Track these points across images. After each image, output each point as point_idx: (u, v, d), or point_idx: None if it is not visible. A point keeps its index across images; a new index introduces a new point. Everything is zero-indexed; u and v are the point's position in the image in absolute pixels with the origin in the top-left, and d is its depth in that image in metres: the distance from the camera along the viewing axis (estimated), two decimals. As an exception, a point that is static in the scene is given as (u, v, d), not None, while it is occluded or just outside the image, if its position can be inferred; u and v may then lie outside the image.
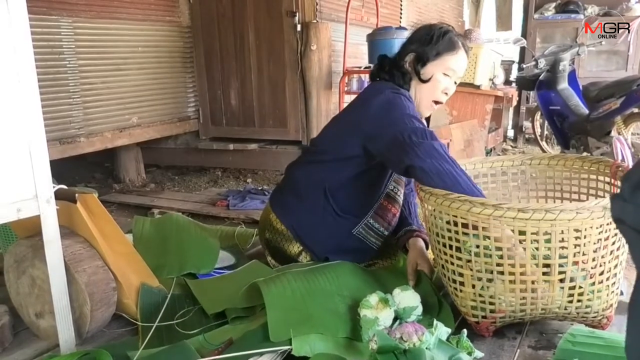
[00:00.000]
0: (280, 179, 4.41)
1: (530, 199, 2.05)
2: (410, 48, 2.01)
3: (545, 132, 5.91)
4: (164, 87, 4.51)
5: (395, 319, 1.66)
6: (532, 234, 1.48)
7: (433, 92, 1.99)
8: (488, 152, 5.83)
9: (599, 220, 1.46)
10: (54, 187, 1.55)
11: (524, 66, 5.51)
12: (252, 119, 4.73)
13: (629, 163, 3.07)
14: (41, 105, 1.49)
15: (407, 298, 1.69)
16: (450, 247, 1.62)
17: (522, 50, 7.46)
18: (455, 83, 2.01)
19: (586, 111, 4.88)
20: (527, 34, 7.36)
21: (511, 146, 6.90)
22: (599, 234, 1.48)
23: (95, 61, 3.88)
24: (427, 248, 2.02)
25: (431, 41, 1.97)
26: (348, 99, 4.34)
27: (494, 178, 2.05)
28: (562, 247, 1.49)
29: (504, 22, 8.50)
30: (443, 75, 1.97)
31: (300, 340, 1.52)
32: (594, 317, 1.61)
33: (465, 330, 1.45)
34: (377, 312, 1.60)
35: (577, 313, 1.59)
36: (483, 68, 5.73)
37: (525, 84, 5.71)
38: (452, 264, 1.64)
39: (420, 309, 1.69)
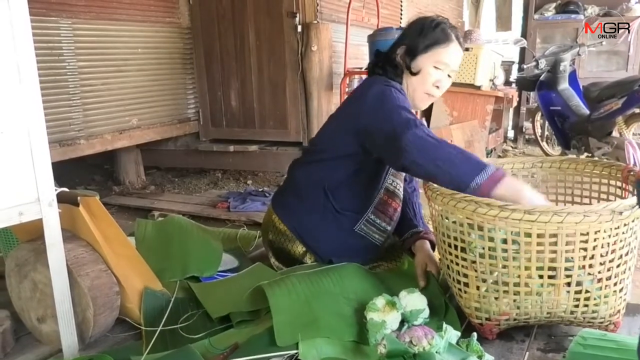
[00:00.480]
0: (280, 181, 4.42)
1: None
2: (402, 41, 1.99)
3: (546, 133, 5.90)
4: (163, 88, 4.49)
5: (401, 322, 1.64)
6: (538, 236, 1.46)
7: (423, 85, 1.95)
8: (488, 153, 5.82)
9: (608, 224, 1.44)
10: (55, 190, 1.53)
11: (525, 67, 5.50)
12: (253, 120, 4.71)
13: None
14: (42, 108, 1.47)
15: (414, 301, 1.68)
16: (456, 247, 1.61)
17: (522, 51, 7.45)
18: (449, 76, 1.97)
19: (587, 111, 4.87)
20: (527, 35, 7.35)
21: (511, 147, 6.90)
22: (608, 237, 1.46)
23: (95, 62, 3.86)
24: (433, 249, 2.01)
25: (421, 33, 1.93)
26: (349, 99, 4.32)
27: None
28: (569, 251, 1.47)
29: (503, 22, 8.50)
30: (433, 69, 1.92)
31: (307, 344, 1.51)
32: (601, 322, 1.59)
33: (475, 334, 1.44)
34: (384, 315, 1.59)
35: (584, 318, 1.58)
36: (483, 69, 5.72)
37: (525, 84, 5.70)
38: (457, 264, 1.63)
39: (427, 312, 1.68)
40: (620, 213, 1.42)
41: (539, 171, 2.02)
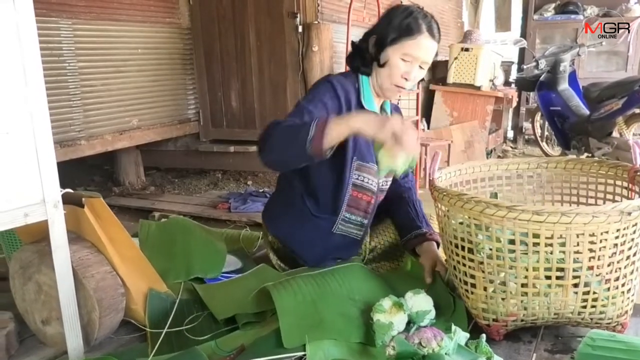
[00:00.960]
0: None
1: (545, 203, 2.02)
2: (373, 30, 1.95)
3: (546, 133, 5.91)
4: (164, 89, 4.49)
5: (407, 323, 1.64)
6: (546, 237, 1.46)
7: (391, 77, 1.89)
8: (489, 153, 5.83)
9: (616, 224, 1.43)
10: (60, 191, 1.52)
11: (524, 67, 5.51)
12: (253, 120, 4.71)
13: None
14: (44, 108, 1.46)
15: (420, 302, 1.67)
16: (463, 248, 1.60)
17: (522, 51, 7.47)
18: (422, 68, 1.90)
19: (587, 112, 4.88)
20: (527, 35, 7.36)
21: (511, 147, 6.91)
22: (615, 238, 1.46)
23: (95, 63, 3.86)
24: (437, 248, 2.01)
25: (390, 24, 1.87)
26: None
27: (509, 181, 2.02)
28: (577, 252, 1.47)
29: (503, 23, 8.51)
30: (401, 61, 1.86)
31: (314, 346, 1.50)
32: (608, 323, 1.58)
33: (484, 335, 1.43)
34: (390, 317, 1.58)
35: (591, 319, 1.57)
36: (483, 69, 5.73)
37: (525, 84, 5.72)
38: (464, 265, 1.62)
39: (433, 313, 1.67)
40: (629, 214, 1.41)
41: (543, 172, 2.01)
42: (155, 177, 4.96)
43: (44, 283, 1.65)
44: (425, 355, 1.30)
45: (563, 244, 1.46)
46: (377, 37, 1.90)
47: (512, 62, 7.28)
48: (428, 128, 5.76)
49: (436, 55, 1.94)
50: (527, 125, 6.92)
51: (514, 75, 6.95)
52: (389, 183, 2.13)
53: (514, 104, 6.69)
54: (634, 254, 1.52)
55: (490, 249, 1.55)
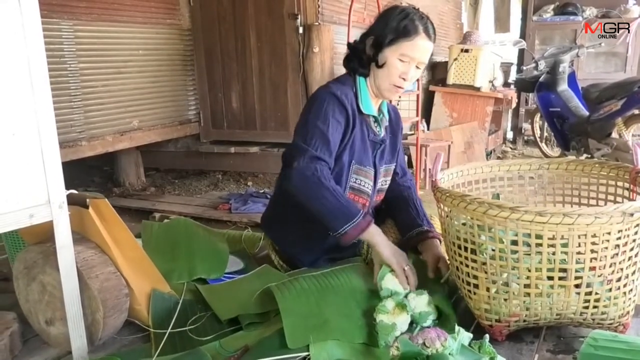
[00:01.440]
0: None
1: (547, 204, 2.03)
2: (370, 31, 1.97)
3: (545, 134, 5.92)
4: (164, 90, 4.49)
5: (410, 324, 1.65)
6: (549, 238, 1.46)
7: (389, 77, 1.92)
8: (488, 154, 5.84)
9: (618, 225, 1.44)
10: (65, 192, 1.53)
11: (524, 68, 5.52)
12: (254, 121, 4.71)
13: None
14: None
15: (423, 303, 1.68)
16: (466, 249, 1.61)
17: (521, 52, 7.48)
18: (418, 68, 1.93)
19: (586, 113, 4.89)
20: (526, 36, 7.38)
21: (511, 148, 6.92)
22: (617, 239, 1.47)
23: (96, 64, 3.85)
24: None
25: (387, 25, 1.89)
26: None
27: (511, 182, 2.03)
28: (579, 253, 1.48)
29: (502, 24, 8.52)
30: (399, 61, 1.89)
31: (317, 346, 1.51)
32: (610, 323, 1.59)
33: (487, 336, 1.44)
34: (394, 318, 1.59)
35: (593, 319, 1.58)
36: (483, 70, 5.74)
37: (524, 85, 5.73)
38: (467, 266, 1.63)
39: (435, 313, 1.68)
40: (631, 215, 1.42)
41: (545, 172, 2.02)
42: (155, 178, 4.96)
43: (48, 283, 1.66)
44: (429, 355, 1.30)
45: (565, 245, 1.47)
46: (375, 39, 1.92)
47: (512, 63, 7.29)
48: (428, 129, 5.77)
49: (432, 55, 1.97)
50: (526, 126, 6.93)
51: (513, 76, 6.96)
52: (388, 183, 2.14)
53: (514, 105, 6.70)
54: (636, 255, 1.53)
55: (493, 250, 1.56)
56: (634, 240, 1.50)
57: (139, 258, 1.81)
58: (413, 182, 2.28)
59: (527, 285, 1.54)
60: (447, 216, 1.68)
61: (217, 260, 2.15)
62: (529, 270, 1.52)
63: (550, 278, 1.51)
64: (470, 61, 5.71)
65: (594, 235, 1.45)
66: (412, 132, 5.26)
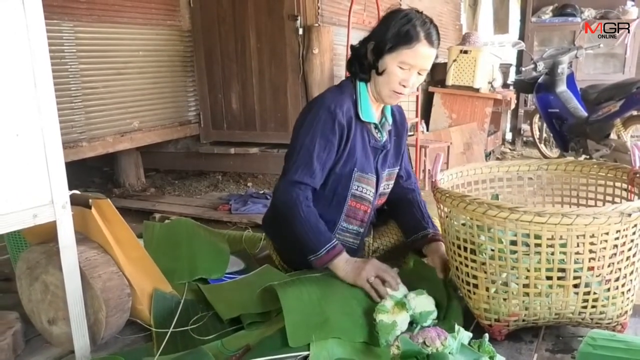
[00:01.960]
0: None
1: (546, 204, 2.04)
2: (372, 36, 1.93)
3: (544, 135, 5.93)
4: (164, 91, 4.50)
5: (410, 324, 1.66)
6: (548, 238, 1.48)
7: (389, 84, 1.89)
8: (487, 155, 5.85)
9: (616, 226, 1.45)
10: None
11: (523, 69, 5.53)
12: (254, 122, 4.71)
13: None
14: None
15: (423, 302, 1.69)
16: (465, 249, 1.63)
17: (520, 54, 7.50)
18: (420, 74, 1.90)
19: (585, 114, 4.90)
20: (525, 37, 7.40)
21: (509, 149, 6.93)
22: (615, 239, 1.48)
23: (96, 65, 3.86)
24: None
25: (387, 32, 1.84)
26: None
27: (510, 182, 2.05)
28: (578, 253, 1.49)
29: (501, 25, 8.54)
30: (399, 69, 1.85)
31: (318, 346, 1.52)
32: (608, 323, 1.60)
33: (487, 335, 1.45)
34: (393, 317, 1.60)
35: (591, 319, 1.59)
36: (482, 71, 5.75)
37: (523, 86, 5.73)
38: (467, 266, 1.64)
39: (435, 313, 1.70)
40: (629, 215, 1.44)
41: (544, 173, 2.04)
42: (155, 179, 4.96)
43: (50, 283, 1.67)
44: (429, 354, 1.31)
45: (564, 245, 1.48)
46: (375, 44, 1.89)
47: (511, 65, 7.30)
48: (427, 130, 5.78)
49: (436, 57, 1.94)
50: (525, 127, 6.94)
51: (512, 77, 6.98)
52: (391, 186, 2.14)
53: (513, 106, 6.72)
54: (634, 255, 1.55)
55: (492, 250, 1.57)
56: (632, 241, 1.51)
57: (141, 258, 1.82)
58: (417, 184, 2.27)
59: (526, 285, 1.55)
60: (446, 216, 1.69)
61: (218, 261, 2.16)
62: (528, 270, 1.53)
63: (549, 278, 1.53)
64: (469, 62, 5.73)
65: (593, 236, 1.47)
66: (412, 133, 5.27)
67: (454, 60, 5.77)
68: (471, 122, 5.74)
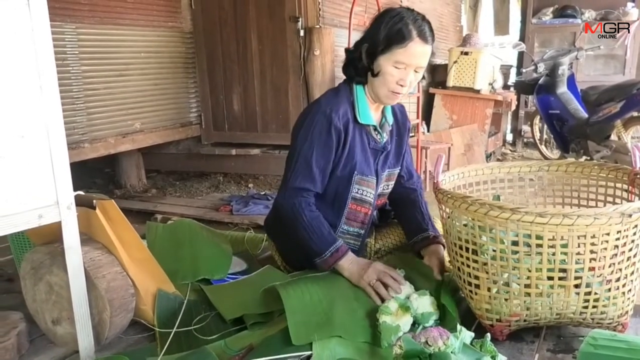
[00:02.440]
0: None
1: (547, 205, 2.05)
2: (365, 37, 1.90)
3: (545, 136, 5.94)
4: (166, 92, 4.51)
5: (412, 324, 1.67)
6: (549, 239, 1.49)
7: (386, 85, 1.87)
8: (488, 156, 5.86)
9: (617, 226, 1.46)
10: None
11: (524, 70, 5.54)
12: (255, 123, 4.72)
13: None
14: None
15: (425, 303, 1.70)
16: (467, 249, 1.63)
17: (521, 55, 7.51)
18: (417, 72, 1.87)
19: (586, 115, 4.91)
20: (525, 39, 7.41)
21: (510, 150, 6.94)
22: (616, 240, 1.49)
23: (98, 67, 3.87)
24: None
25: (379, 32, 1.82)
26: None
27: (511, 183, 2.05)
28: (579, 253, 1.50)
29: (501, 26, 8.55)
30: (394, 69, 1.83)
31: (320, 345, 1.53)
32: (609, 323, 1.61)
33: (488, 335, 1.46)
34: (397, 319, 1.61)
35: (592, 319, 1.60)
36: (483, 73, 5.76)
37: (524, 88, 5.75)
38: (468, 266, 1.65)
39: (437, 314, 1.70)
40: (630, 216, 1.44)
41: (545, 174, 2.05)
42: (157, 180, 4.97)
43: (55, 283, 1.68)
44: (431, 354, 1.32)
45: (565, 246, 1.49)
46: (368, 46, 1.86)
47: (511, 66, 7.31)
48: (428, 131, 5.79)
49: (432, 55, 1.91)
50: (526, 128, 6.96)
51: (513, 78, 6.98)
52: (391, 187, 2.14)
53: (513, 107, 6.72)
54: (635, 255, 1.56)
55: (494, 250, 1.58)
56: (633, 241, 1.52)
57: (145, 258, 1.83)
58: (420, 184, 2.26)
59: (527, 286, 1.56)
60: (448, 217, 1.70)
61: (221, 261, 2.17)
62: (530, 271, 1.54)
63: (550, 278, 1.53)
64: (470, 64, 5.74)
65: (593, 236, 1.48)
66: (413, 134, 5.28)
67: (455, 62, 5.78)
68: (472, 123, 5.75)
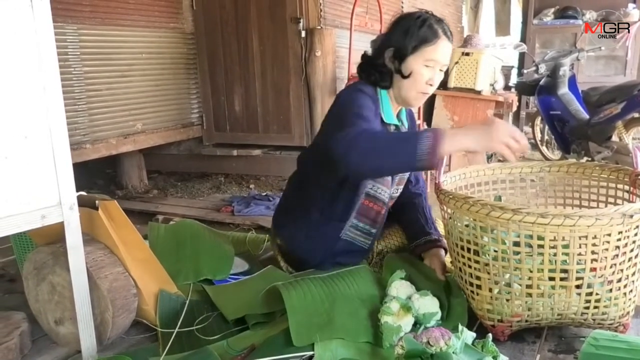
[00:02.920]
0: (283, 185, 4.44)
1: (548, 206, 2.05)
2: (388, 43, 1.93)
3: (546, 137, 5.94)
4: (167, 93, 4.51)
5: (414, 324, 1.67)
6: (550, 240, 1.49)
7: (416, 85, 1.90)
8: (489, 157, 5.85)
9: (618, 227, 1.47)
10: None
11: (524, 71, 5.54)
12: (256, 124, 4.73)
13: None
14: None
15: (427, 304, 1.70)
16: (469, 250, 1.64)
17: (522, 56, 7.51)
18: (441, 71, 1.93)
19: (587, 116, 4.90)
20: (527, 40, 7.41)
21: (511, 151, 6.92)
22: (617, 241, 1.50)
23: (100, 68, 3.88)
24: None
25: (407, 33, 1.87)
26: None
27: (512, 184, 2.06)
28: (580, 254, 1.50)
29: (502, 27, 8.55)
30: (424, 67, 1.88)
31: (322, 346, 1.54)
32: (611, 324, 1.62)
33: (490, 335, 1.46)
34: (399, 320, 1.61)
35: (594, 320, 1.60)
36: (484, 73, 5.76)
37: (525, 89, 5.74)
38: (470, 267, 1.66)
39: (439, 315, 1.71)
40: (631, 216, 1.45)
41: (546, 175, 2.05)
42: (158, 181, 4.97)
43: (57, 284, 1.69)
44: (433, 354, 1.33)
45: (566, 246, 1.50)
46: (395, 50, 1.90)
47: (512, 67, 7.30)
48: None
49: None
50: (527, 129, 6.95)
51: (514, 79, 6.97)
52: (400, 191, 2.15)
53: (514, 108, 6.71)
54: (636, 256, 1.56)
55: (496, 251, 1.58)
56: (634, 242, 1.53)
57: (147, 259, 1.84)
58: (425, 189, 2.27)
59: (528, 286, 1.56)
60: (450, 218, 1.71)
61: (223, 262, 2.17)
62: (531, 271, 1.54)
63: (551, 279, 1.54)
64: (471, 64, 5.74)
65: (595, 237, 1.48)
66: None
67: (456, 63, 5.78)
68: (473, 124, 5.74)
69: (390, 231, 2.23)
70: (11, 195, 1.40)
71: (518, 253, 1.54)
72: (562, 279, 1.53)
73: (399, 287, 1.78)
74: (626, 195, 1.85)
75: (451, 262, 1.85)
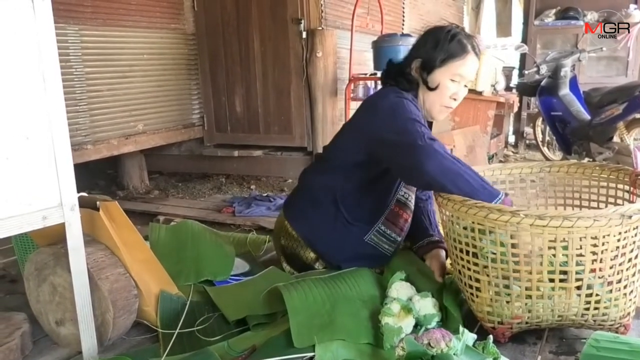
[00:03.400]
0: (284, 186, 4.44)
1: (548, 207, 2.06)
2: (416, 54, 1.97)
3: (547, 138, 5.94)
4: (169, 94, 4.52)
5: (415, 325, 1.67)
6: (549, 241, 1.49)
7: (441, 98, 1.94)
8: (490, 158, 5.85)
9: (617, 227, 1.47)
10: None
11: (526, 72, 5.53)
12: (257, 125, 4.73)
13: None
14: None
15: (427, 305, 1.70)
16: (468, 252, 1.64)
17: (523, 57, 7.50)
18: (466, 87, 1.96)
19: (588, 117, 4.90)
20: (528, 40, 7.40)
21: (512, 152, 6.93)
22: (617, 241, 1.50)
23: (101, 68, 3.89)
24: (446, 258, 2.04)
25: (436, 46, 1.91)
26: (354, 105, 4.36)
27: (512, 185, 2.06)
28: (580, 255, 1.50)
29: (503, 28, 8.54)
30: (450, 82, 1.92)
31: (323, 347, 1.54)
32: (611, 325, 1.62)
33: (491, 336, 1.47)
34: (399, 321, 1.61)
35: (594, 321, 1.60)
36: (485, 74, 5.75)
37: (526, 90, 5.73)
38: (469, 269, 1.66)
39: (439, 316, 1.71)
40: (630, 217, 1.45)
41: (546, 176, 2.05)
42: (159, 181, 4.98)
43: (58, 284, 1.69)
44: (434, 355, 1.33)
45: (566, 247, 1.49)
46: (423, 61, 1.93)
47: (513, 68, 7.29)
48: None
49: None
50: (528, 130, 6.94)
51: (515, 80, 6.97)
52: (413, 199, 2.16)
53: (515, 109, 6.70)
54: (636, 257, 1.56)
55: (494, 253, 1.58)
56: (634, 242, 1.53)
57: (148, 260, 1.84)
58: (431, 194, 2.26)
59: (528, 288, 1.56)
60: (449, 220, 1.71)
61: (224, 262, 2.18)
62: (530, 273, 1.54)
63: (551, 280, 1.54)
64: (472, 65, 5.73)
65: (594, 238, 1.48)
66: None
67: (457, 63, 5.77)
68: (474, 125, 5.74)
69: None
70: (12, 196, 1.40)
71: (517, 255, 1.54)
72: (562, 281, 1.53)
73: (400, 289, 1.78)
74: (626, 196, 1.85)
75: (451, 264, 1.85)
